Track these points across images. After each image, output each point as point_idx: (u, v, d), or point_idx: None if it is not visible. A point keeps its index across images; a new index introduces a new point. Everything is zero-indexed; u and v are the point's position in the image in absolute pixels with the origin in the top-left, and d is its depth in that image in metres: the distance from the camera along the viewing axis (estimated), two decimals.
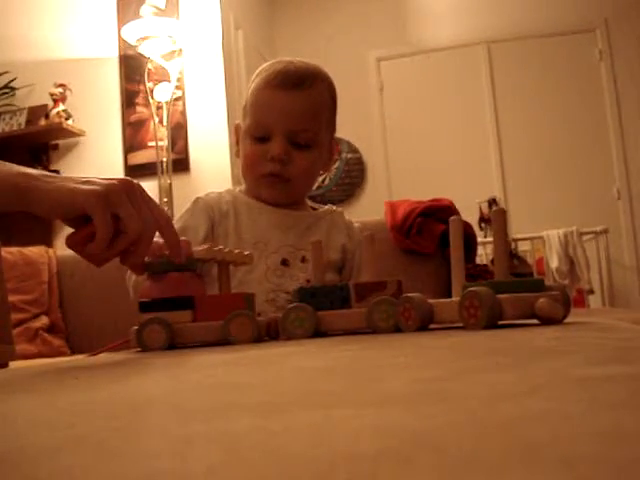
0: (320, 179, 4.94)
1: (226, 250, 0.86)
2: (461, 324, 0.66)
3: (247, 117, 1.18)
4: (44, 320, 2.21)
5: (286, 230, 1.18)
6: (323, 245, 1.18)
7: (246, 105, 1.20)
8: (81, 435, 0.24)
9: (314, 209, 1.29)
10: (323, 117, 1.18)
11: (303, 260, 1.17)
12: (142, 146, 3.63)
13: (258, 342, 0.76)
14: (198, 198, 1.22)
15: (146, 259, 0.81)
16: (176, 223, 1.16)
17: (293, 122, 1.13)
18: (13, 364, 1.27)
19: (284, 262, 1.15)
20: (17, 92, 3.79)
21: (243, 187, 1.25)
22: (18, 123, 3.74)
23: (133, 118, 3.66)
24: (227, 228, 1.17)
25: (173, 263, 0.81)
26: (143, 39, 3.43)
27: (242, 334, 0.76)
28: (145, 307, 0.81)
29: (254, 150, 1.16)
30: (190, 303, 0.80)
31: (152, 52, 3.47)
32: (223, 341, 0.77)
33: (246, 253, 0.86)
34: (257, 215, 1.18)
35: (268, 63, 1.21)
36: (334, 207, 1.31)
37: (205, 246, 0.82)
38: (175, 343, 0.78)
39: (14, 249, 2.32)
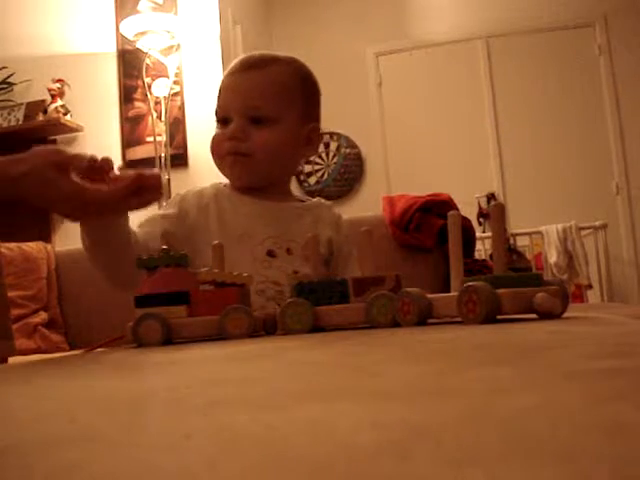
0: (319, 174, 4.94)
1: (226, 272, 0.85)
2: (460, 319, 0.66)
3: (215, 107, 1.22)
4: (43, 316, 2.21)
5: (270, 221, 1.18)
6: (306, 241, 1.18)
7: None
8: (81, 429, 0.24)
9: (302, 201, 1.28)
10: (282, 95, 1.18)
11: (288, 251, 1.16)
12: (140, 141, 3.62)
13: (254, 337, 0.76)
14: (177, 194, 1.24)
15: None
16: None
17: (247, 98, 1.15)
18: (11, 360, 1.27)
19: (270, 253, 1.15)
20: (15, 87, 3.78)
21: (228, 182, 1.26)
22: (16, 118, 3.73)
23: (131, 113, 3.65)
24: (208, 220, 1.17)
25: (164, 259, 0.82)
26: (141, 34, 3.43)
27: (238, 329, 0.76)
28: (140, 302, 0.81)
29: (217, 133, 1.19)
30: (185, 298, 0.80)
31: (150, 47, 3.46)
32: (219, 336, 0.77)
33: (245, 275, 0.86)
34: (240, 207, 1.19)
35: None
36: (323, 200, 1.31)
37: (206, 269, 0.83)
38: (171, 338, 0.78)
39: (13, 245, 2.32)
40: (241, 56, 1.23)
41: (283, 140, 1.17)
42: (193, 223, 1.17)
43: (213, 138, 1.20)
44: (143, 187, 0.90)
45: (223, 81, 1.20)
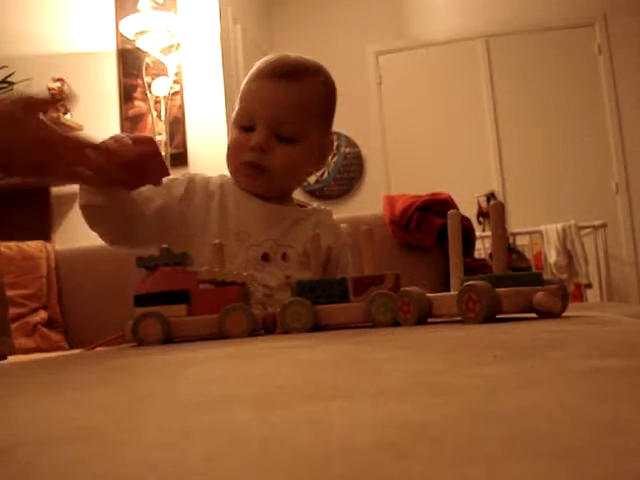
0: (318, 173, 4.94)
1: (225, 271, 0.85)
2: (459, 318, 0.66)
3: (236, 107, 1.18)
4: (42, 314, 2.21)
5: (271, 224, 1.16)
6: (308, 244, 1.17)
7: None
8: (81, 428, 0.24)
9: (302, 206, 1.27)
10: (312, 112, 1.16)
11: (284, 257, 1.15)
12: None
13: (254, 336, 0.76)
14: (186, 172, 1.23)
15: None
16: None
17: (277, 112, 1.12)
18: (11, 358, 1.27)
19: (265, 257, 1.13)
20: (15, 86, 3.78)
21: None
22: None
23: (131, 112, 3.65)
24: (210, 210, 1.16)
25: (164, 257, 0.82)
26: (141, 33, 3.43)
27: (238, 328, 0.76)
28: (140, 301, 0.81)
29: (238, 138, 1.15)
30: (185, 297, 0.80)
31: (150, 46, 3.46)
32: (219, 335, 0.77)
33: (245, 274, 0.86)
34: (244, 204, 1.17)
35: (268, 56, 1.19)
36: (323, 206, 1.30)
37: (205, 267, 0.83)
38: (171, 337, 0.78)
39: (12, 244, 2.32)
40: (270, 58, 1.17)
41: (303, 158, 1.17)
42: (197, 207, 1.15)
43: (234, 142, 1.16)
44: (144, 168, 0.88)
45: (252, 84, 1.16)
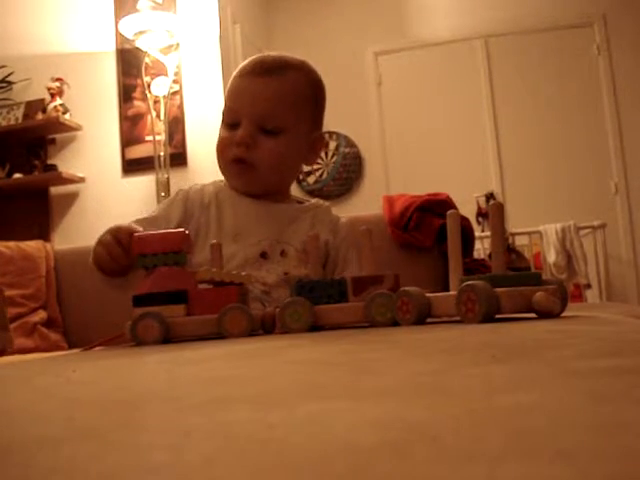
0: (317, 174, 4.94)
1: (224, 271, 0.85)
2: (458, 318, 0.66)
3: (223, 107, 1.20)
4: (41, 314, 2.20)
5: (268, 222, 1.17)
6: (306, 240, 1.16)
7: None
8: (80, 427, 0.24)
9: (300, 202, 1.27)
10: (295, 105, 1.16)
11: (282, 254, 1.15)
12: (139, 140, 3.62)
13: (253, 336, 0.76)
14: (180, 190, 1.23)
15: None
16: (152, 212, 1.21)
17: (260, 106, 1.13)
18: (10, 358, 1.26)
19: (263, 255, 1.14)
20: (14, 86, 3.78)
21: None
22: (15, 117, 3.73)
23: (130, 112, 3.65)
24: (209, 218, 1.17)
25: (163, 258, 0.82)
26: (140, 33, 3.43)
27: (237, 328, 0.76)
28: (138, 301, 0.81)
29: (224, 136, 1.17)
30: (183, 297, 0.80)
31: (149, 46, 3.46)
32: (218, 335, 0.77)
33: (243, 274, 0.86)
34: (239, 206, 1.18)
35: (251, 57, 1.21)
36: (322, 201, 1.30)
37: (204, 268, 0.83)
38: (169, 337, 0.78)
39: (12, 243, 2.31)
40: (254, 57, 1.20)
41: (290, 151, 1.17)
42: (197, 222, 1.17)
43: (220, 141, 1.18)
44: None
45: (234, 82, 1.18)
